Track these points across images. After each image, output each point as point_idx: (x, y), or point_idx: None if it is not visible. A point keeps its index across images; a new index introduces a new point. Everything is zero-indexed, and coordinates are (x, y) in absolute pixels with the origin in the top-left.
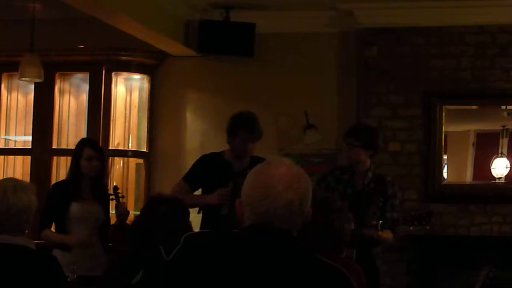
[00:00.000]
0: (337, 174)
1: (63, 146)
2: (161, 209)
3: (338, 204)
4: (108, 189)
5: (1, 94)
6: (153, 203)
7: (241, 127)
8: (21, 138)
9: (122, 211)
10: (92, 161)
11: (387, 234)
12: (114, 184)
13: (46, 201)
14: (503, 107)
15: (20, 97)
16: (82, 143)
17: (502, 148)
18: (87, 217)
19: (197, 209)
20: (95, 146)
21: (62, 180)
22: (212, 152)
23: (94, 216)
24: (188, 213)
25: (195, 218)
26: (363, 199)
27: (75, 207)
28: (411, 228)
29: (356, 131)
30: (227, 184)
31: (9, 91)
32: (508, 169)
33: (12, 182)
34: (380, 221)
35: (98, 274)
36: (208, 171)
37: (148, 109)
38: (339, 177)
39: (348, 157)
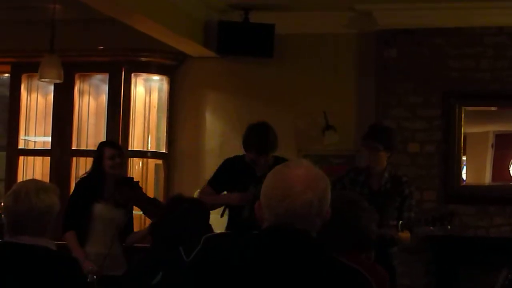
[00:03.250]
0: (352, 176)
1: (83, 147)
2: (181, 209)
3: (366, 204)
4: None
5: (21, 95)
6: (172, 203)
7: (253, 149)
8: (40, 139)
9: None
10: (115, 158)
11: (406, 234)
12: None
13: (70, 200)
14: None
15: (39, 98)
16: (101, 145)
17: None
18: (109, 219)
19: (219, 212)
20: (114, 145)
21: (85, 178)
22: (235, 156)
23: (116, 220)
24: (208, 214)
25: (219, 222)
26: (381, 199)
27: (98, 208)
28: (431, 228)
29: (377, 134)
30: (247, 187)
31: (29, 92)
32: None
33: (34, 184)
34: (400, 222)
35: (117, 273)
36: (231, 174)
37: (167, 110)
38: (354, 178)
39: (371, 160)
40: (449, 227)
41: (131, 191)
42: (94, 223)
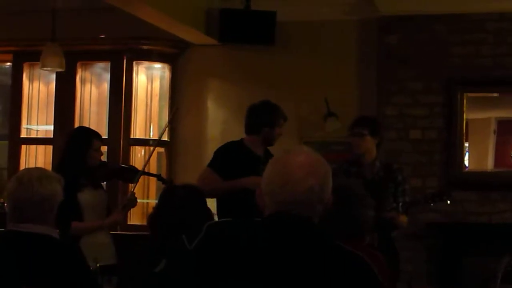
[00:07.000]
0: (346, 168)
1: None
2: (177, 196)
3: (359, 190)
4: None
5: (23, 84)
6: (167, 192)
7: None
8: (43, 128)
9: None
10: (99, 151)
11: (403, 218)
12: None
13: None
14: None
15: (41, 86)
16: (90, 135)
17: None
18: (98, 203)
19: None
20: (100, 137)
21: (63, 169)
22: (231, 141)
23: (104, 201)
24: (204, 197)
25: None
26: (375, 188)
27: (83, 197)
28: (431, 204)
29: (362, 121)
30: (252, 170)
31: (31, 80)
32: None
33: (39, 171)
34: (400, 203)
35: (111, 262)
36: (234, 158)
37: (169, 98)
38: (348, 170)
39: (356, 147)
40: (448, 202)
41: (104, 167)
42: (85, 213)
